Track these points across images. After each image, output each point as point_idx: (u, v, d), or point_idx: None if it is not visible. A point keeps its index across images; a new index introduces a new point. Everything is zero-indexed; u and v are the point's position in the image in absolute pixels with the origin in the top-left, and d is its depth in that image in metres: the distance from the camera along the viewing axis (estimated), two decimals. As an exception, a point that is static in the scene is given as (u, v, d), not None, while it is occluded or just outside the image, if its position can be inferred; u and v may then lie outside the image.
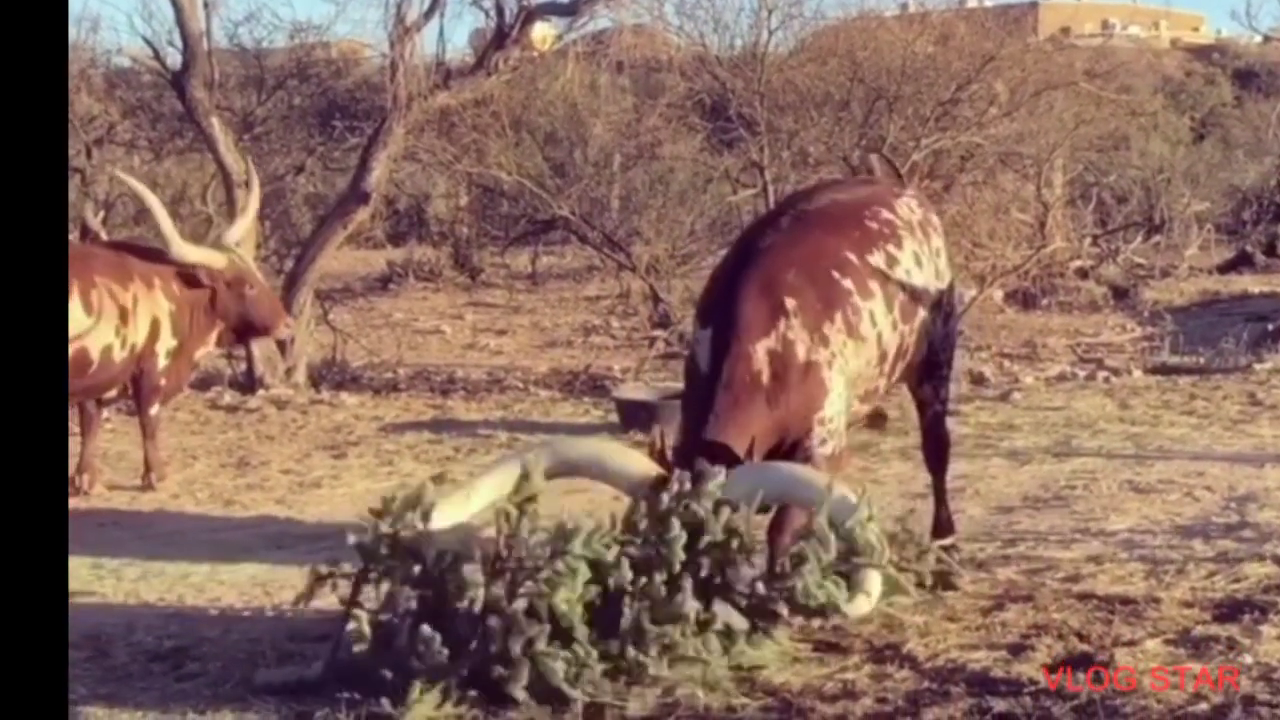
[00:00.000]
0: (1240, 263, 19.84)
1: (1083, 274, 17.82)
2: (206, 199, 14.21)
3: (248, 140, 13.30)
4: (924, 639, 5.37)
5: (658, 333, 13.37)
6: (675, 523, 4.95)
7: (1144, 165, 21.42)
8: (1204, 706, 4.69)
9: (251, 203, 10.04)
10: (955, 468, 8.43)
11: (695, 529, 4.99)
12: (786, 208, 6.67)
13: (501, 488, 5.28)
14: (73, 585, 6.46)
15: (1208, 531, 6.94)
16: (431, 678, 4.72)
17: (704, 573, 4.97)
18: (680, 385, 6.51)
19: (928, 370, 6.69)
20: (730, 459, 5.38)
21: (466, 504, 5.24)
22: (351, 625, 4.89)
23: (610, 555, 4.88)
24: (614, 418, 10.31)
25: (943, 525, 6.67)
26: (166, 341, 8.79)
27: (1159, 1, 56.47)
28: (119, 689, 5.19)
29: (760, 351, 5.69)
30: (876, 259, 6.22)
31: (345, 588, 5.11)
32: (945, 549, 6.16)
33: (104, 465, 8.94)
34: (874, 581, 5.15)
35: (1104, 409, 10.42)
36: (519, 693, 4.73)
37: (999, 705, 4.74)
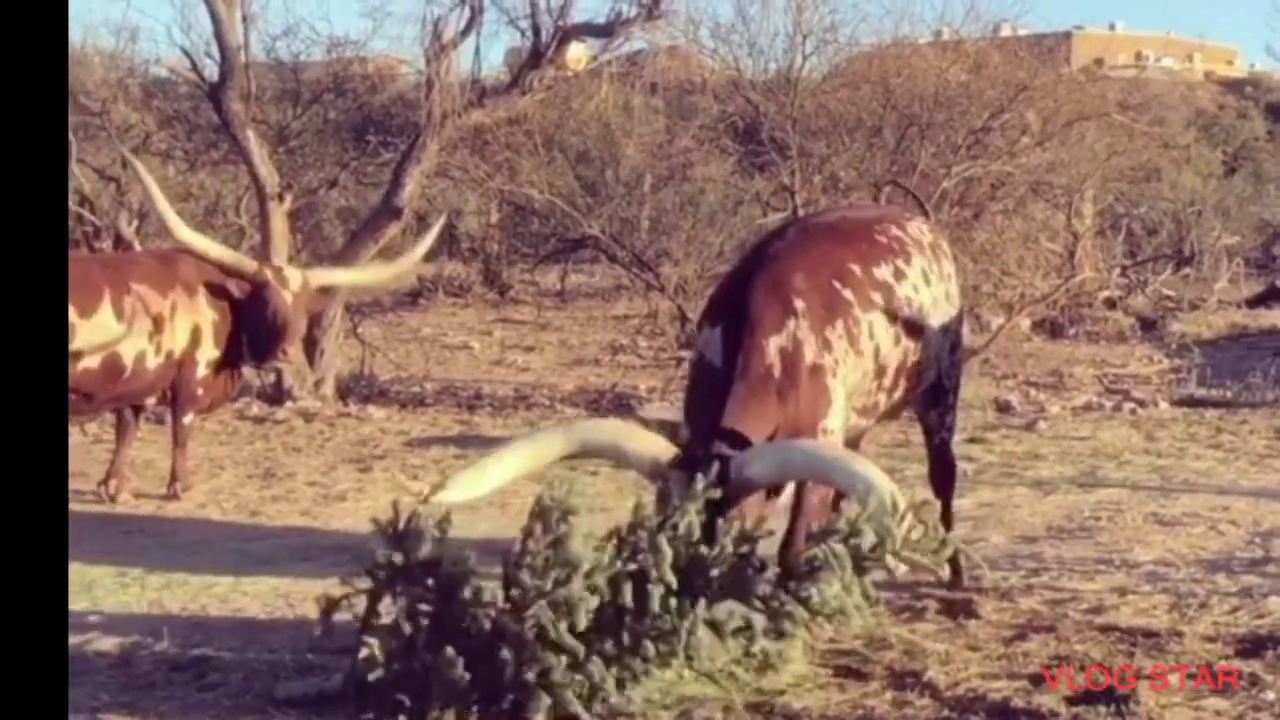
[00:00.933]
0: (1269, 297, 19.79)
1: (1111, 304, 17.81)
2: (240, 211, 14.31)
3: (282, 153, 13.37)
4: (945, 667, 5.36)
5: (684, 353, 13.36)
6: (692, 525, 4.90)
7: (1175, 197, 21.41)
8: (1224, 742, 4.68)
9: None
10: (979, 496, 8.46)
11: (708, 532, 4.95)
12: (796, 223, 6.70)
13: (519, 466, 5.29)
14: (97, 593, 6.58)
15: (1231, 566, 6.91)
16: (447, 700, 4.68)
17: (716, 582, 4.92)
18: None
19: (934, 397, 6.74)
20: (748, 447, 5.37)
21: (482, 480, 5.24)
22: (364, 652, 4.82)
23: (617, 566, 4.79)
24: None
25: None
26: (208, 351, 8.82)
27: (1193, 34, 56.50)
28: (140, 698, 5.20)
29: (772, 347, 5.69)
30: (882, 272, 6.23)
31: (361, 604, 5.05)
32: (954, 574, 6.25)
33: (131, 473, 8.99)
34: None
35: (1130, 440, 10.39)
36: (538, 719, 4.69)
37: (1019, 735, 4.73)
